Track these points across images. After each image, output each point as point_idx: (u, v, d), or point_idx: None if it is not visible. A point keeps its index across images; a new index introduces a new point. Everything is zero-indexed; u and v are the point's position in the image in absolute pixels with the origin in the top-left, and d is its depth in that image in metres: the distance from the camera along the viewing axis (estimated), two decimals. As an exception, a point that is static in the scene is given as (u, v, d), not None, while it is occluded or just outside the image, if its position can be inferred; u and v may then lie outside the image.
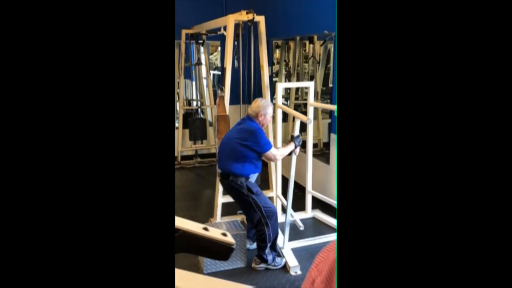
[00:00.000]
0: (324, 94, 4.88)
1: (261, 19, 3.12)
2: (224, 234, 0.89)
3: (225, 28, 3.14)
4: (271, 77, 4.58)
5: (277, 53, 5.50)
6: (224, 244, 0.87)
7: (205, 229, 0.88)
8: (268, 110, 2.64)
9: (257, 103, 2.65)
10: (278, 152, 2.64)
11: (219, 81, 5.63)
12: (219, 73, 5.63)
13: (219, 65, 5.69)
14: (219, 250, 0.87)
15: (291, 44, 5.19)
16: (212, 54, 5.92)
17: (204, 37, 4.72)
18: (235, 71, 3.34)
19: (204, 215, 3.50)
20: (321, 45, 4.80)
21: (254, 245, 2.93)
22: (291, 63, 5.21)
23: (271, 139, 3.39)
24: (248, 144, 2.52)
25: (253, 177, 2.65)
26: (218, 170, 2.69)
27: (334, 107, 3.04)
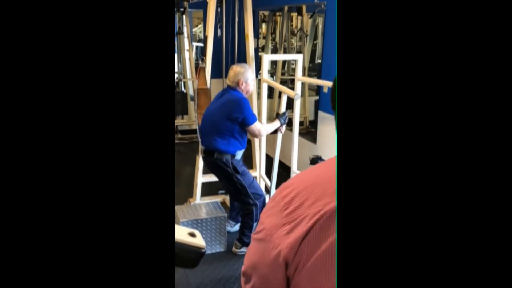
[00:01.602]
0: (311, 71, 4.69)
1: (247, -16, 2.86)
2: (192, 234, 0.70)
3: (207, -6, 2.87)
4: (256, 50, 4.33)
5: (263, 28, 5.26)
6: (192, 248, 0.68)
7: (167, 229, 0.68)
8: (248, 75, 2.41)
9: (234, 70, 2.40)
10: (263, 127, 2.43)
11: (202, 53, 5.36)
12: (202, 45, 5.34)
13: (202, 37, 5.39)
14: (185, 256, 0.68)
15: (278, 18, 4.94)
16: (196, 26, 5.61)
17: (185, 3, 4.40)
18: (217, 41, 3.08)
19: (183, 194, 3.31)
20: (309, 18, 4.56)
21: (235, 228, 2.77)
22: (277, 38, 4.97)
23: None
24: (233, 116, 2.29)
25: (239, 154, 2.45)
26: (201, 147, 2.47)
27: (323, 82, 2.84)
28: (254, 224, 2.47)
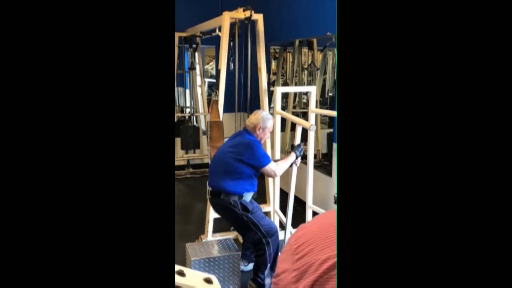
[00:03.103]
0: (322, 104, 4.67)
1: (259, 17, 2.88)
2: (208, 281, 0.61)
3: (220, 29, 2.89)
4: (268, 84, 4.34)
5: (273, 65, 5.31)
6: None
7: (181, 273, 0.60)
8: (268, 123, 2.38)
9: (257, 115, 2.38)
10: (277, 167, 2.35)
11: (215, 87, 5.39)
12: (214, 80, 5.38)
13: (214, 73, 5.45)
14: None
15: (289, 54, 4.99)
16: (208, 64, 5.70)
17: (198, 39, 4.47)
18: (230, 75, 3.08)
19: (195, 231, 3.20)
20: (320, 51, 4.59)
21: (249, 267, 2.63)
22: (288, 73, 4.99)
23: (268, 149, 3.12)
24: (244, 158, 2.24)
25: (248, 196, 2.34)
26: (208, 188, 2.39)
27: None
28: (268, 265, 2.33)
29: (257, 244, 2.32)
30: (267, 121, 2.37)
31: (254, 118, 2.37)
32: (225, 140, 2.65)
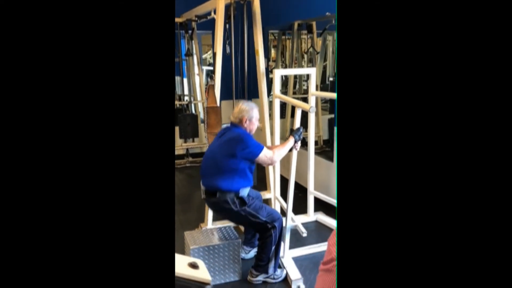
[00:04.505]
0: (322, 90, 4.56)
1: (255, -2, 2.77)
2: (194, 265, 0.55)
3: (215, 12, 2.79)
4: (266, 69, 4.23)
5: (272, 53, 5.20)
6: (194, 283, 0.51)
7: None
8: (253, 113, 2.28)
9: (240, 107, 2.29)
10: (273, 153, 2.26)
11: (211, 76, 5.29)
12: (212, 68, 5.28)
13: (212, 61, 5.35)
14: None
15: (288, 41, 4.88)
16: (206, 52, 5.59)
17: (194, 24, 4.36)
18: (227, 60, 2.98)
19: (195, 219, 3.14)
20: (320, 35, 4.48)
21: (250, 254, 2.57)
22: (287, 60, 4.89)
23: (268, 136, 3.04)
24: (236, 152, 2.15)
25: (245, 191, 2.26)
26: (202, 188, 2.31)
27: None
28: (273, 248, 2.27)
29: (262, 230, 2.25)
30: (251, 110, 2.28)
31: (237, 111, 2.29)
32: (223, 126, 2.57)
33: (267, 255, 2.27)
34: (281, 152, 2.29)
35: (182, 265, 0.53)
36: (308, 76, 5.05)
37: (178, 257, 0.58)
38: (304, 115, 2.68)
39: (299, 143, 2.36)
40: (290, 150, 2.36)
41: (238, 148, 2.15)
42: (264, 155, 2.20)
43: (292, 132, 2.36)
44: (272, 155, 2.24)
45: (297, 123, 2.40)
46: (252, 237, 2.58)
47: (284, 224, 2.46)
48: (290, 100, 2.83)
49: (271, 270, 2.30)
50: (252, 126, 2.30)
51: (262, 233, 2.27)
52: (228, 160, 2.17)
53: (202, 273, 0.51)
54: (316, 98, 3.91)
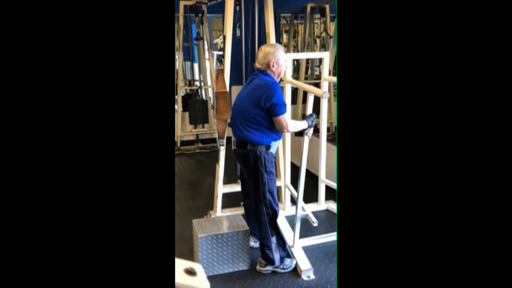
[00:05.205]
0: (334, 75, 4.45)
1: (267, -22, 2.66)
2: (190, 272, 0.49)
3: (225, -7, 2.69)
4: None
5: (284, 38, 5.08)
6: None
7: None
8: (279, 54, 2.14)
9: (263, 51, 2.15)
10: (291, 121, 2.16)
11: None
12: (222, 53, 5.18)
13: (222, 46, 5.25)
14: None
15: (300, 26, 4.75)
16: (217, 37, 5.49)
17: (204, 7, 4.25)
18: (237, 45, 2.89)
19: (204, 206, 3.10)
20: (333, 19, 4.34)
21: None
22: (299, 45, 4.77)
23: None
24: (261, 103, 2.05)
25: (274, 146, 2.19)
26: (234, 139, 2.24)
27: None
28: (273, 238, 2.22)
29: (258, 202, 2.19)
30: (277, 51, 2.14)
31: (261, 56, 2.15)
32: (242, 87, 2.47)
33: (268, 247, 2.22)
34: (296, 125, 2.20)
35: (177, 271, 0.47)
36: (320, 61, 4.94)
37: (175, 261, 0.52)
38: (316, 101, 2.59)
39: (311, 130, 2.28)
40: (301, 134, 2.28)
41: (263, 98, 2.05)
42: (284, 118, 2.09)
43: (305, 117, 2.27)
44: (289, 122, 2.15)
45: (309, 109, 2.31)
46: (254, 229, 2.51)
47: (295, 213, 2.40)
48: (302, 85, 2.74)
49: (277, 262, 2.25)
50: (280, 69, 2.17)
51: (258, 216, 2.22)
52: (256, 110, 2.09)
53: (200, 281, 0.45)
54: (329, 84, 3.80)
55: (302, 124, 2.22)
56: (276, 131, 2.16)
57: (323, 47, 4.63)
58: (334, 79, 3.20)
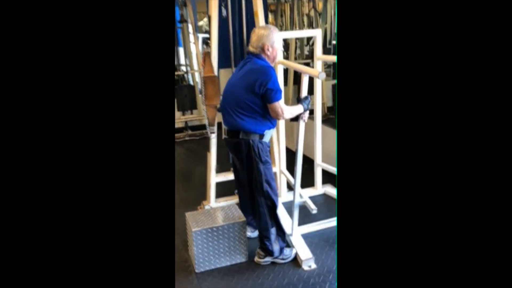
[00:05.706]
0: (324, 54, 4.31)
1: (252, -48, 2.49)
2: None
3: (208, -30, 2.51)
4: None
5: (270, 18, 4.89)
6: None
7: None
8: (274, 36, 2.00)
9: (257, 34, 2.00)
10: (287, 108, 2.03)
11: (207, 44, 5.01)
12: (208, 35, 4.99)
13: (208, 28, 5.05)
14: None
15: (286, 5, 4.56)
16: (202, 20, 5.28)
17: (186, -13, 4.05)
18: (224, 26, 2.73)
19: (196, 197, 2.99)
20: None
21: (257, 233, 2.43)
22: (287, 24, 4.60)
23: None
24: (255, 88, 1.91)
25: (268, 134, 2.06)
26: (224, 127, 2.10)
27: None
28: (272, 229, 2.12)
29: (256, 192, 2.08)
30: (272, 34, 2.00)
31: (255, 39, 2.00)
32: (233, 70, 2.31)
33: (268, 238, 2.12)
34: (292, 111, 2.07)
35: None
36: (308, 40, 4.78)
37: None
38: (310, 81, 2.46)
39: (307, 113, 2.15)
40: (296, 120, 2.16)
41: (257, 83, 1.91)
42: (280, 105, 1.96)
43: (300, 101, 2.14)
44: (285, 108, 2.01)
45: (304, 91, 2.18)
46: (251, 220, 2.40)
47: (292, 200, 2.30)
48: (296, 65, 2.60)
49: (276, 253, 2.16)
50: (276, 52, 2.03)
51: (256, 208, 2.12)
52: (249, 96, 1.94)
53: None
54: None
55: (298, 109, 2.09)
56: (271, 118, 2.03)
57: (311, 25, 4.47)
58: (328, 57, 3.07)
